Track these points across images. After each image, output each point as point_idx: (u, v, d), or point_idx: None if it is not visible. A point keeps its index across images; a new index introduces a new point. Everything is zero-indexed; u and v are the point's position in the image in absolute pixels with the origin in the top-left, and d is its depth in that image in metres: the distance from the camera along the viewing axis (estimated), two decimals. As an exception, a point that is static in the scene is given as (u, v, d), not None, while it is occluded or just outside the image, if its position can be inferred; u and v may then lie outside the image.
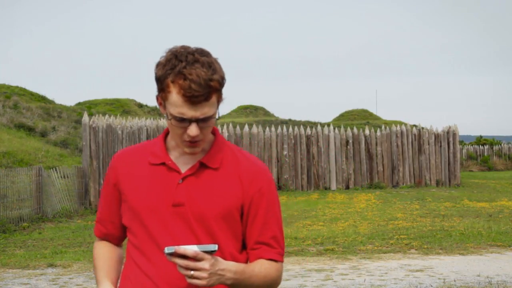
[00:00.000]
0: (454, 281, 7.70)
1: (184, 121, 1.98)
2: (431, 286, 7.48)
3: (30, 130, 27.22)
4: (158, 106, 2.12)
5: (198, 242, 2.03)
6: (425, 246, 10.13)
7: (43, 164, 18.02)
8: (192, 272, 1.88)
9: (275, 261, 2.12)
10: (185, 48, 2.00)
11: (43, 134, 27.35)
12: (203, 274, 1.88)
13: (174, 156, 2.11)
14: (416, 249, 9.97)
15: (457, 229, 11.76)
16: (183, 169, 2.09)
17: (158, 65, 2.01)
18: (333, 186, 21.46)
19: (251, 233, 2.11)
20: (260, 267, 2.07)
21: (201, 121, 1.99)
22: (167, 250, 1.86)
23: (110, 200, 2.20)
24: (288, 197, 19.06)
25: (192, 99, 1.94)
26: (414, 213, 14.59)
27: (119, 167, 2.17)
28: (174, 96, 1.96)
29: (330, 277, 8.04)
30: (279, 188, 20.97)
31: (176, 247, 1.87)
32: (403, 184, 21.97)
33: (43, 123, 28.92)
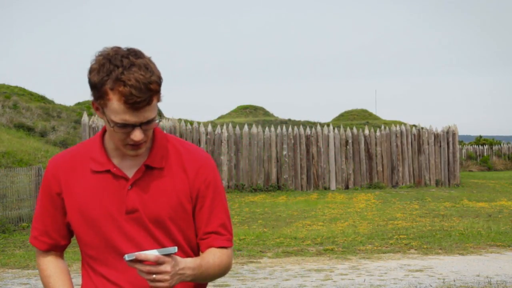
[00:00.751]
0: (454, 281, 7.70)
1: (127, 127, 1.95)
2: (431, 286, 7.48)
3: (29, 130, 27.21)
4: (94, 111, 2.10)
5: (157, 243, 2.06)
6: (425, 246, 10.14)
7: (42, 164, 18.01)
8: (154, 276, 1.89)
9: (225, 247, 2.15)
10: (117, 51, 1.95)
11: (43, 134, 27.34)
12: (165, 277, 1.90)
13: (116, 160, 2.09)
14: (415, 249, 9.97)
15: (457, 229, 11.76)
16: (129, 173, 2.07)
17: (92, 70, 1.96)
18: (333, 186, 21.45)
19: (200, 223, 2.13)
20: (214, 257, 2.10)
21: (144, 125, 1.96)
22: (128, 257, 1.86)
23: (53, 210, 2.14)
24: (287, 197, 19.05)
25: (134, 105, 1.91)
26: (414, 213, 14.59)
27: (61, 176, 2.11)
28: (115, 103, 1.91)
29: (330, 277, 8.04)
30: (279, 188, 20.97)
31: (136, 253, 1.87)
32: (402, 184, 21.97)
33: (42, 123, 28.91)
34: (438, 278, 7.87)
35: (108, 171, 2.06)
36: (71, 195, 2.09)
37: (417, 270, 8.38)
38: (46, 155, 23.10)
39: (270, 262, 9.02)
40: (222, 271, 2.13)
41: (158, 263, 1.88)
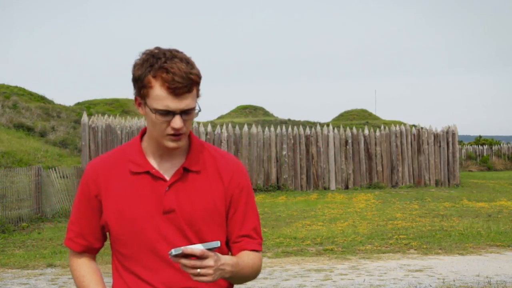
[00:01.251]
0: (454, 281, 7.70)
1: (168, 114, 2.02)
2: (430, 286, 7.48)
3: (29, 130, 27.22)
4: (136, 108, 2.14)
5: (188, 240, 2.10)
6: (424, 246, 10.14)
7: (42, 164, 18.02)
8: (198, 270, 1.93)
9: (257, 251, 2.22)
10: (159, 48, 2.07)
11: (42, 134, 27.35)
12: (209, 271, 1.94)
13: (154, 163, 2.14)
14: (415, 249, 9.97)
15: (456, 229, 11.76)
16: (166, 175, 2.12)
17: (135, 65, 2.06)
18: (333, 186, 21.45)
19: (233, 227, 2.20)
20: (248, 258, 2.16)
21: (184, 113, 2.04)
22: (175, 251, 1.91)
23: (90, 213, 2.18)
24: (287, 197, 19.06)
25: (176, 90, 1.99)
26: (414, 213, 14.59)
27: (99, 178, 2.15)
28: (157, 90, 2.01)
29: (330, 277, 8.04)
30: (279, 188, 20.97)
31: (183, 247, 1.91)
32: (402, 184, 21.97)
33: (42, 123, 28.92)
34: (438, 278, 7.87)
35: (147, 172, 2.12)
36: (110, 196, 2.12)
37: (416, 270, 8.38)
38: (46, 155, 23.10)
39: (269, 262, 9.02)
40: (255, 273, 2.19)
41: (202, 257, 1.93)
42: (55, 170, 15.75)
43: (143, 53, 2.06)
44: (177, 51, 2.06)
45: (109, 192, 2.12)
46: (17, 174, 13.87)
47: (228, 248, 2.23)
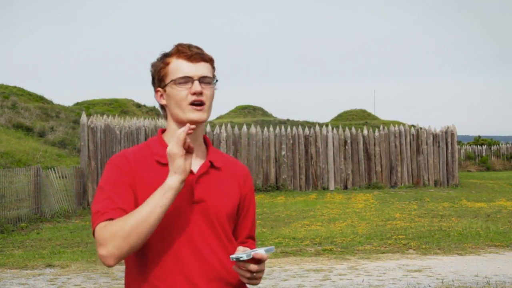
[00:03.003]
0: (452, 281, 7.71)
1: (187, 82, 2.12)
2: (429, 286, 7.48)
3: (28, 130, 27.20)
4: (158, 102, 2.21)
5: (216, 236, 2.14)
6: (423, 246, 10.14)
7: (41, 164, 18.00)
8: (254, 274, 2.03)
9: None
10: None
11: (41, 134, 27.33)
12: (261, 275, 2.06)
13: None
14: (414, 249, 9.98)
15: (455, 229, 11.77)
16: (193, 168, 2.16)
17: (152, 65, 2.22)
18: (332, 186, 21.46)
19: (243, 228, 2.29)
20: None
21: (202, 82, 2.13)
22: (246, 256, 1.96)
23: (129, 196, 2.08)
24: (286, 197, 19.06)
25: (191, 57, 2.13)
26: (412, 213, 14.60)
27: (131, 167, 2.12)
28: (174, 62, 2.14)
29: (328, 277, 8.05)
30: (278, 188, 20.98)
31: (253, 253, 1.98)
32: (401, 184, 21.98)
33: (41, 123, 28.90)
34: (437, 278, 7.87)
35: None
36: (141, 185, 2.11)
37: (415, 270, 8.38)
38: (45, 155, 23.09)
39: (268, 262, 9.02)
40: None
41: (260, 261, 2.03)
42: (54, 170, 15.74)
43: (159, 54, 2.22)
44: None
45: (141, 181, 2.11)
46: (16, 174, 13.87)
47: None
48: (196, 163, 2.18)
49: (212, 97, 2.16)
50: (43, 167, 17.16)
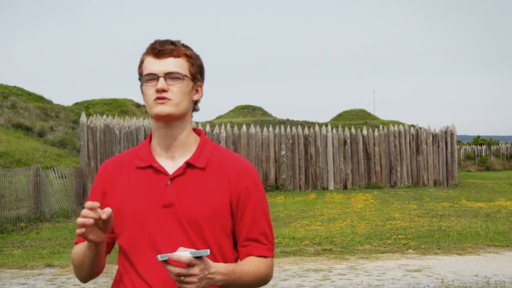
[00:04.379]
0: (452, 281, 7.71)
1: (153, 80, 2.08)
2: (429, 286, 7.48)
3: (28, 130, 27.20)
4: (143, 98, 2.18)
5: (190, 241, 2.05)
6: (423, 246, 10.14)
7: (41, 164, 18.00)
8: (182, 278, 1.89)
9: (265, 257, 2.15)
10: None
11: (41, 134, 27.33)
12: (193, 279, 1.89)
13: (160, 159, 2.13)
14: (413, 249, 9.97)
15: (455, 229, 11.77)
16: (170, 171, 2.11)
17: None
18: (331, 186, 21.46)
19: (240, 230, 2.13)
20: (250, 265, 2.09)
21: (169, 78, 2.07)
22: (161, 257, 1.87)
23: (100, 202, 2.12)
24: (286, 197, 19.06)
25: (158, 54, 2.08)
26: (412, 213, 14.60)
27: (107, 175, 2.17)
28: (146, 60, 2.11)
29: (328, 277, 8.05)
30: (277, 188, 20.98)
31: (169, 254, 1.87)
32: (401, 184, 21.98)
33: (41, 123, 28.89)
34: (436, 278, 7.87)
35: (150, 167, 2.11)
36: (115, 192, 2.13)
37: (415, 270, 8.38)
38: (44, 155, 23.09)
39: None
40: (259, 280, 2.12)
41: (189, 265, 1.89)
42: (53, 170, 15.74)
43: None
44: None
45: (115, 188, 2.13)
46: (16, 174, 13.87)
47: (236, 252, 2.17)
48: (176, 164, 2.12)
49: (182, 92, 2.08)
50: (43, 167, 17.15)
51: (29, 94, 38.28)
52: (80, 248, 2.10)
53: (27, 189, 13.99)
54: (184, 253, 1.88)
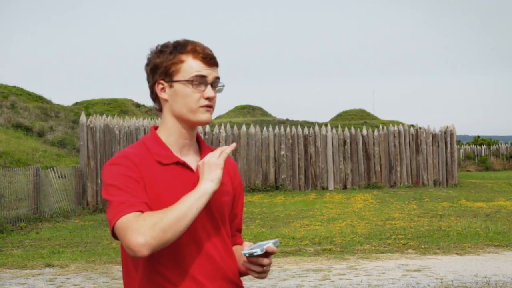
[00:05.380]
0: (452, 281, 7.71)
1: (201, 84, 2.12)
2: (429, 286, 7.48)
3: (27, 130, 27.19)
4: (155, 95, 2.18)
5: (218, 232, 2.16)
6: (423, 246, 10.14)
7: (40, 164, 18.00)
8: (265, 268, 2.08)
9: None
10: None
11: (41, 134, 27.32)
12: (269, 268, 2.11)
13: (178, 154, 2.19)
14: (413, 249, 9.97)
15: (455, 229, 11.77)
16: (190, 165, 2.18)
17: (154, 54, 2.16)
18: (331, 186, 21.46)
19: (232, 220, 2.32)
20: None
21: (214, 85, 2.16)
22: (260, 251, 2.02)
23: (144, 190, 2.06)
24: (285, 197, 19.06)
25: (209, 60, 2.14)
26: (412, 213, 14.60)
27: (136, 166, 2.09)
28: (190, 62, 2.12)
29: (328, 277, 8.05)
30: (277, 188, 20.98)
31: (265, 246, 2.03)
32: (400, 184, 21.98)
33: (40, 123, 28.89)
34: (436, 278, 7.87)
35: (176, 163, 2.15)
36: (149, 183, 2.10)
37: (415, 270, 8.38)
38: (44, 155, 23.09)
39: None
40: None
41: (269, 255, 2.09)
42: (53, 170, 15.73)
43: (155, 47, 2.18)
44: None
45: (147, 180, 2.10)
46: (15, 174, 13.86)
47: None
48: (193, 161, 2.19)
49: (217, 95, 2.21)
50: (42, 167, 17.16)
51: (29, 94, 38.27)
52: (189, 216, 1.97)
53: (27, 189, 13.98)
54: (269, 244, 2.05)
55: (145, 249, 1.91)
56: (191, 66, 2.11)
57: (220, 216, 2.17)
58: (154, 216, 1.94)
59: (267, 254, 2.07)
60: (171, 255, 2.08)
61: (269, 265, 2.09)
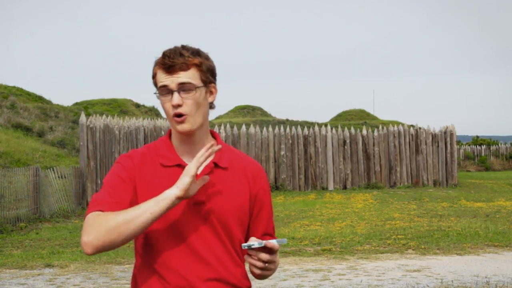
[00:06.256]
0: (452, 281, 7.71)
1: (167, 94, 2.13)
2: (428, 286, 7.49)
3: (27, 130, 27.18)
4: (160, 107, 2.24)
5: (218, 238, 2.15)
6: (423, 246, 10.14)
7: (40, 164, 18.01)
8: (267, 264, 2.08)
9: None
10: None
11: (41, 134, 27.32)
12: (273, 266, 2.12)
13: (184, 158, 2.20)
14: (413, 249, 9.98)
15: (454, 229, 11.77)
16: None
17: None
18: (331, 186, 21.46)
19: (258, 225, 2.29)
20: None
21: (181, 91, 2.12)
22: (258, 244, 2.02)
23: (125, 190, 2.12)
24: (285, 197, 19.06)
25: (168, 68, 2.11)
26: (412, 213, 14.60)
27: (135, 166, 2.18)
28: (158, 74, 2.15)
29: (328, 277, 8.05)
30: (277, 188, 20.98)
31: (264, 241, 2.03)
32: (400, 184, 21.98)
33: (40, 123, 28.88)
34: (436, 278, 7.87)
35: (178, 165, 2.17)
36: (143, 184, 2.14)
37: (414, 270, 8.38)
38: (44, 155, 23.08)
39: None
40: (276, 269, 2.28)
41: (271, 252, 2.09)
42: (53, 170, 15.73)
43: None
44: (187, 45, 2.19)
45: (142, 182, 2.14)
46: (15, 174, 13.86)
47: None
48: (202, 164, 2.17)
49: (196, 103, 2.13)
50: (42, 167, 17.15)
51: (29, 94, 38.26)
52: (139, 220, 1.98)
53: (27, 189, 13.98)
54: (272, 241, 2.05)
55: (88, 248, 1.98)
56: (158, 77, 2.14)
57: (221, 223, 2.15)
58: (106, 217, 2.00)
59: (267, 250, 2.07)
60: (165, 254, 2.12)
61: (272, 262, 2.08)
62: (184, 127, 2.13)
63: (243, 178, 2.23)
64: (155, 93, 2.18)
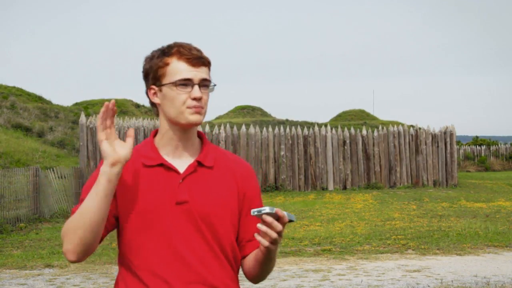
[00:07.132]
0: (451, 281, 7.71)
1: (187, 85, 2.10)
2: (428, 286, 7.49)
3: (27, 130, 27.20)
4: (150, 100, 2.18)
5: (202, 237, 2.11)
6: (422, 247, 10.15)
7: (40, 165, 18.01)
8: (276, 236, 2.00)
9: None
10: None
11: (40, 135, 27.33)
12: (280, 239, 2.03)
13: (168, 158, 2.17)
14: (413, 250, 9.98)
15: (454, 229, 11.77)
16: (180, 169, 2.14)
17: (145, 60, 2.18)
18: (330, 186, 21.46)
19: (248, 226, 2.22)
20: None
21: (202, 86, 2.12)
22: (269, 209, 1.96)
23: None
24: (285, 197, 19.06)
25: (193, 61, 2.10)
26: (411, 213, 14.60)
27: None
28: (175, 64, 2.11)
29: (327, 277, 8.05)
30: (276, 188, 20.98)
31: (276, 208, 1.98)
32: (400, 184, 21.98)
33: (40, 124, 28.90)
34: (436, 279, 7.87)
35: (160, 165, 2.14)
36: (124, 186, 2.12)
37: (414, 271, 8.38)
38: (44, 155, 23.09)
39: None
40: (272, 269, 2.23)
41: (281, 223, 2.01)
42: (53, 170, 15.74)
43: (151, 52, 2.18)
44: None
45: (123, 183, 2.12)
46: (15, 175, 13.86)
47: (238, 247, 2.22)
48: (185, 162, 2.17)
49: (207, 100, 2.16)
50: (42, 167, 17.16)
51: (29, 94, 38.27)
52: (89, 205, 1.99)
53: (27, 189, 13.99)
54: (284, 212, 2.00)
55: (69, 255, 2.02)
56: (176, 68, 2.10)
57: (206, 223, 2.11)
58: (68, 221, 2.02)
59: (277, 219, 2.00)
60: (145, 257, 2.09)
61: (279, 233, 1.99)
62: (199, 118, 2.11)
63: (230, 177, 2.19)
64: (162, 85, 2.12)
